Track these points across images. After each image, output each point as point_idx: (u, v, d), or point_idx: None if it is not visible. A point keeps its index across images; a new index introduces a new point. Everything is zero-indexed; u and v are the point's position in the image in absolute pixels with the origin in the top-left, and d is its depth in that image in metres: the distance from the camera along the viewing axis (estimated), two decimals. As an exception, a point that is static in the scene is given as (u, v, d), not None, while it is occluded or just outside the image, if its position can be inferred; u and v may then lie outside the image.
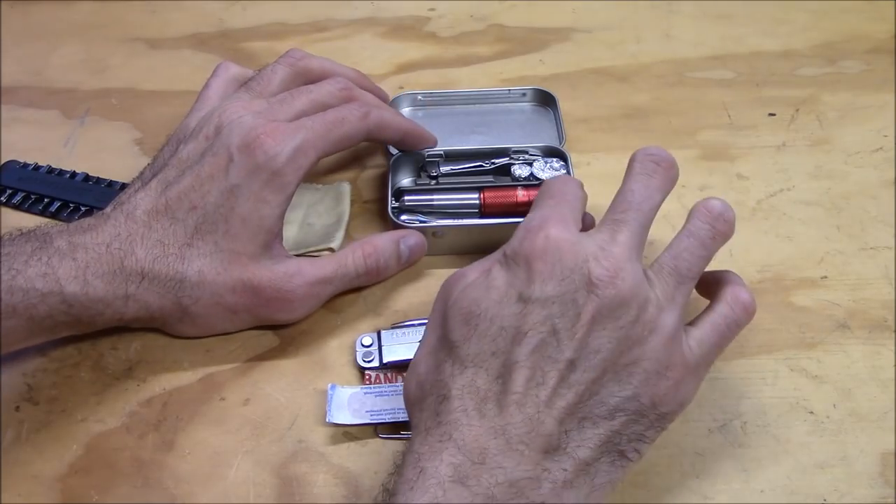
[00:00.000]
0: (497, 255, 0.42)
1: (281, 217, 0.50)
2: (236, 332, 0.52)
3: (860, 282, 0.54)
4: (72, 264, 0.45)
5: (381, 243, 0.53)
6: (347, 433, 0.47)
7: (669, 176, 0.44)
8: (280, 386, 0.50)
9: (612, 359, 0.38)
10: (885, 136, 0.64)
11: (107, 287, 0.46)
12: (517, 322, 0.38)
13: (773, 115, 0.66)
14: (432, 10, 0.78)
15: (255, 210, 0.48)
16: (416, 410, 0.40)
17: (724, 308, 0.43)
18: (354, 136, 0.52)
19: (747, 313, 0.43)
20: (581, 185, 0.47)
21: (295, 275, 0.50)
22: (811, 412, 0.48)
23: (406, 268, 0.55)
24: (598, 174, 0.62)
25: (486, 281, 0.40)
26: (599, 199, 0.60)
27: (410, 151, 0.59)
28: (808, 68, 0.70)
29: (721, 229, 0.43)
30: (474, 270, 0.42)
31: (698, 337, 0.41)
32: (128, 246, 0.47)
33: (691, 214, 0.43)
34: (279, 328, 0.52)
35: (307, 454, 0.47)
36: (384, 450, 0.47)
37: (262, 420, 0.48)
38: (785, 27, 0.74)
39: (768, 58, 0.71)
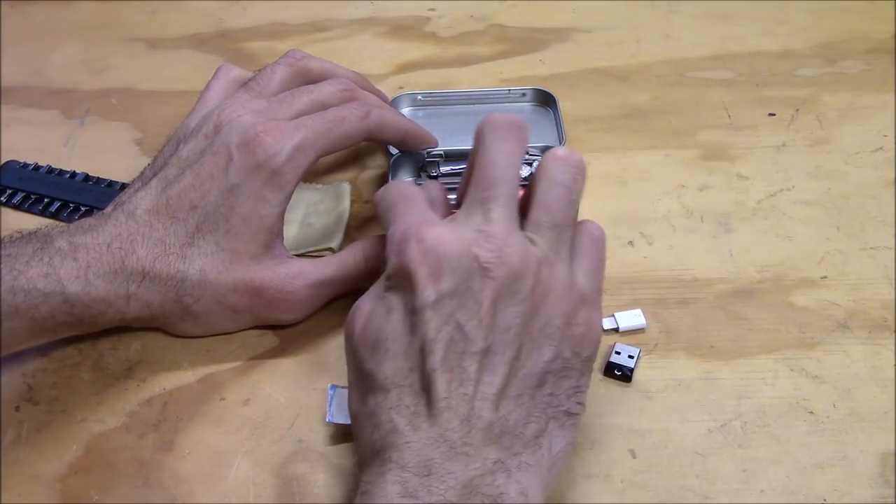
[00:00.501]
0: (382, 278, 0.42)
1: (281, 216, 0.50)
2: (237, 331, 0.52)
3: (860, 282, 0.54)
4: (73, 264, 0.45)
5: (379, 243, 0.51)
6: (347, 433, 0.47)
7: (522, 137, 0.44)
8: (280, 386, 0.50)
9: (524, 331, 0.38)
10: (885, 136, 0.64)
11: (108, 287, 0.46)
12: (422, 332, 0.38)
13: (773, 115, 0.66)
14: (432, 10, 0.78)
15: (255, 209, 0.48)
16: (358, 448, 0.40)
17: (581, 237, 0.43)
18: (354, 135, 0.52)
19: (597, 231, 0.44)
20: (412, 182, 0.50)
21: (297, 276, 0.50)
22: (811, 412, 0.48)
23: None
24: (598, 174, 0.62)
25: (382, 306, 0.40)
26: (599, 199, 0.60)
27: (411, 152, 0.59)
28: (808, 68, 0.70)
29: (579, 168, 0.43)
30: (368, 300, 0.42)
31: (583, 270, 0.42)
32: (129, 245, 0.47)
33: (543, 166, 0.43)
34: (279, 328, 0.52)
35: (307, 454, 0.47)
36: (384, 450, 0.47)
37: (262, 420, 0.48)
38: (785, 27, 0.74)
39: (768, 58, 0.71)
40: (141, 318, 0.49)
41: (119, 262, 0.46)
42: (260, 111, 0.51)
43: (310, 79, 0.56)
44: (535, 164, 0.59)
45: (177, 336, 0.52)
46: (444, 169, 0.60)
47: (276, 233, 0.50)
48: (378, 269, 0.51)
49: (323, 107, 0.52)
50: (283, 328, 0.52)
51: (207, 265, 0.48)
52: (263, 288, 0.49)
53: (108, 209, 0.50)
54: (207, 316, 0.50)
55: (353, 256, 0.51)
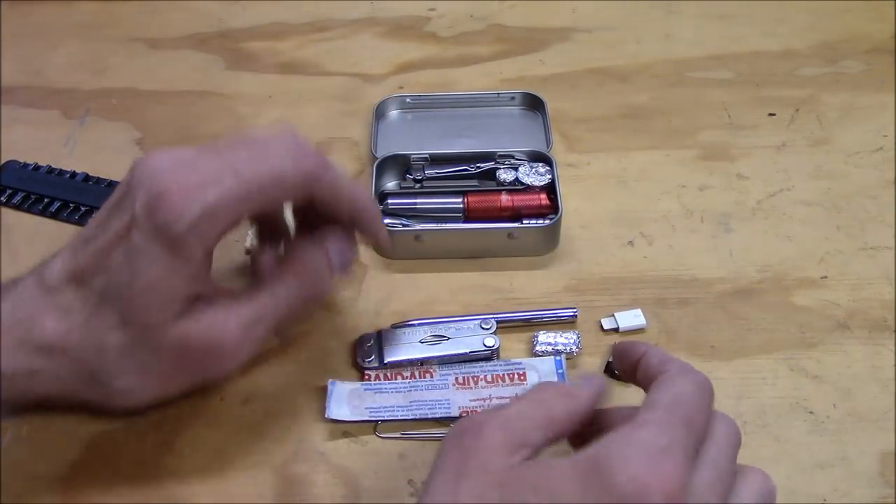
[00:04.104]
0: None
1: (198, 281, 0.42)
2: (178, 395, 0.46)
3: (860, 282, 0.54)
4: None
5: (309, 259, 0.46)
6: (347, 433, 0.47)
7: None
8: (280, 386, 0.50)
9: None
10: (885, 136, 0.64)
11: (8, 361, 0.41)
12: None
13: (773, 115, 0.66)
14: (432, 10, 0.78)
15: (161, 279, 0.40)
16: None
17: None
18: (289, 190, 0.43)
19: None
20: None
21: (223, 321, 0.42)
22: (811, 412, 0.48)
23: (343, 277, 0.47)
24: (598, 174, 0.62)
25: None
26: (599, 199, 0.60)
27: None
28: (808, 68, 0.70)
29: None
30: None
31: None
32: (35, 314, 0.41)
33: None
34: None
35: (307, 454, 0.47)
36: (384, 450, 0.47)
37: (261, 420, 0.48)
38: (785, 27, 0.74)
39: (768, 58, 0.71)
40: (53, 397, 0.43)
41: (23, 332, 0.41)
42: (183, 161, 0.41)
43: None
44: (520, 168, 0.58)
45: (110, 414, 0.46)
46: (428, 172, 0.59)
47: (195, 295, 0.42)
48: (313, 291, 0.46)
49: (265, 162, 0.42)
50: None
51: (118, 339, 0.41)
52: (189, 346, 0.42)
53: (25, 273, 0.44)
54: (136, 390, 0.43)
55: (282, 284, 0.45)
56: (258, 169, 0.41)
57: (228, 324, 0.42)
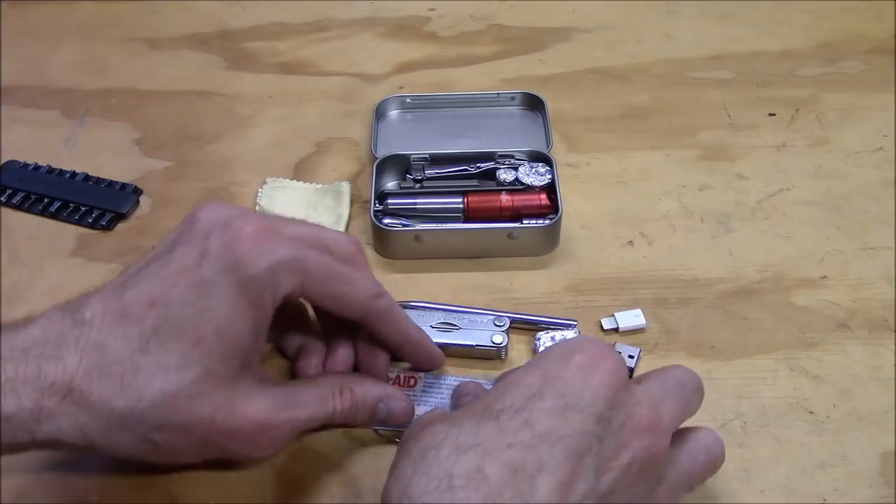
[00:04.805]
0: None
1: (256, 339, 0.40)
2: (195, 465, 0.43)
3: (860, 282, 0.54)
4: None
5: (362, 396, 0.45)
6: (347, 433, 0.47)
7: None
8: (280, 386, 0.50)
9: None
10: (885, 136, 0.64)
11: (6, 398, 0.36)
12: None
13: (773, 115, 0.66)
14: (432, 10, 0.78)
15: (230, 320, 0.38)
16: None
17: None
18: (352, 303, 0.43)
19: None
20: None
21: (281, 408, 0.41)
22: (811, 412, 0.48)
23: (381, 427, 0.47)
24: (598, 174, 0.62)
25: None
26: (599, 199, 0.60)
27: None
28: (808, 68, 0.70)
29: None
30: None
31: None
32: (53, 350, 0.37)
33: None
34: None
35: (307, 454, 0.47)
36: (384, 450, 0.47)
37: (262, 420, 0.48)
38: (785, 27, 0.74)
39: (768, 58, 0.71)
40: (64, 442, 0.37)
41: (35, 369, 0.36)
42: (247, 213, 0.41)
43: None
44: (520, 168, 0.58)
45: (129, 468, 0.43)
46: (428, 172, 0.59)
47: (253, 359, 0.41)
48: (353, 420, 0.45)
49: (324, 246, 0.43)
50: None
51: (173, 384, 0.37)
52: (245, 420, 0.39)
53: (48, 308, 0.39)
54: (167, 448, 0.39)
55: (334, 400, 0.44)
56: (329, 260, 0.42)
57: (283, 413, 0.41)
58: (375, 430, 0.47)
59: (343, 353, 0.47)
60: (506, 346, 0.50)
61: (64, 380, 0.36)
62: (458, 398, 0.46)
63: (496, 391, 0.38)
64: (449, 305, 0.52)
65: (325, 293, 0.42)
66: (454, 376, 0.49)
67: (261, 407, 0.40)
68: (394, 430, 0.47)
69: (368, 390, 0.45)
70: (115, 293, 0.39)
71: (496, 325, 0.50)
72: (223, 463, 0.44)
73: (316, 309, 0.48)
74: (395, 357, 0.48)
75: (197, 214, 0.41)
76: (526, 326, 0.51)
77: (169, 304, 0.38)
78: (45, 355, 0.36)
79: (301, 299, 0.43)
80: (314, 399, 0.43)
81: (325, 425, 0.44)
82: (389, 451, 0.46)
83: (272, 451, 0.42)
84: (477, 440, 0.35)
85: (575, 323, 0.51)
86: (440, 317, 0.51)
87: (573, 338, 0.44)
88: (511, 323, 0.51)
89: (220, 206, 0.41)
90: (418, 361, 0.48)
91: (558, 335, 0.50)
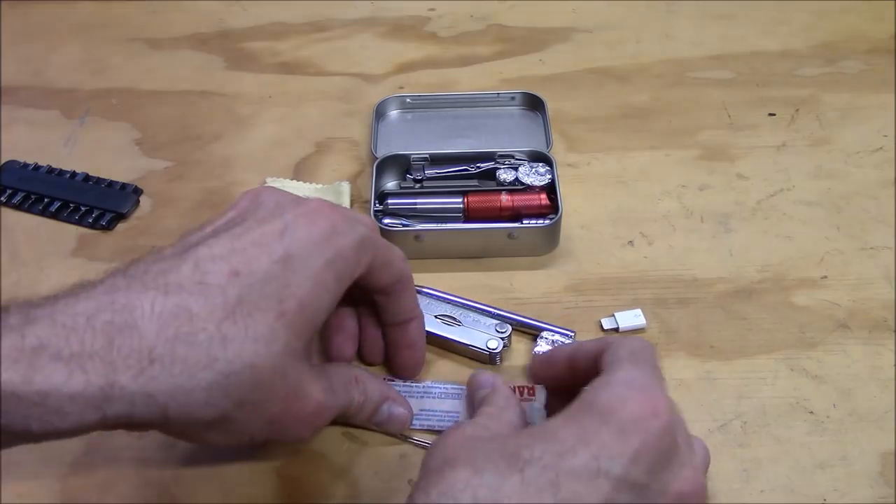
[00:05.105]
0: None
1: (327, 316, 0.39)
2: (247, 445, 0.40)
3: (860, 282, 0.54)
4: (17, 341, 0.31)
5: (371, 393, 0.44)
6: (347, 433, 0.47)
7: None
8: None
9: None
10: (885, 136, 0.64)
11: (71, 375, 0.32)
12: None
13: (773, 115, 0.66)
14: (432, 10, 0.78)
15: (314, 294, 0.37)
16: None
17: None
18: (394, 270, 0.43)
19: None
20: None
21: (331, 399, 0.41)
22: (811, 412, 0.48)
23: (372, 428, 0.46)
24: (598, 174, 0.62)
25: None
26: (599, 199, 0.60)
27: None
28: (808, 68, 0.70)
29: None
30: None
31: None
32: (125, 316, 0.33)
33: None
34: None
35: (307, 454, 0.46)
36: (384, 450, 0.47)
37: (262, 420, 0.48)
38: (785, 27, 0.74)
39: (768, 58, 0.71)
40: (136, 421, 0.34)
41: (104, 339, 0.32)
42: (308, 197, 0.41)
43: None
44: (520, 168, 0.58)
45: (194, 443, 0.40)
46: (428, 172, 0.59)
47: (314, 338, 0.40)
48: (355, 414, 0.44)
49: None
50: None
51: (262, 357, 0.35)
52: (310, 400, 0.39)
53: (107, 271, 0.36)
54: (241, 425, 0.37)
55: (358, 392, 0.44)
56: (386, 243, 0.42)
57: (331, 399, 0.40)
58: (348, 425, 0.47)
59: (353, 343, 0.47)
60: (500, 352, 0.49)
61: (142, 351, 0.33)
62: (474, 389, 0.44)
63: (528, 436, 0.35)
64: (457, 298, 0.52)
65: (383, 261, 0.42)
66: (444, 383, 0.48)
67: (321, 388, 0.39)
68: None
69: (377, 388, 0.45)
70: (180, 256, 0.36)
71: (497, 331, 0.50)
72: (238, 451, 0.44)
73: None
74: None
75: (260, 194, 0.40)
76: (526, 330, 0.51)
77: (251, 274, 0.35)
78: (116, 324, 0.33)
79: None
80: (342, 388, 0.42)
81: (337, 417, 0.43)
82: (389, 452, 0.46)
83: (313, 434, 0.41)
84: (497, 496, 0.32)
85: (573, 333, 0.51)
86: (446, 309, 0.51)
87: (622, 376, 0.36)
88: (512, 327, 0.51)
89: (278, 190, 0.41)
90: (407, 357, 0.47)
91: (560, 337, 0.50)
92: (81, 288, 0.34)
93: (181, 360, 0.33)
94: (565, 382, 0.42)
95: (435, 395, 0.47)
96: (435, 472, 0.34)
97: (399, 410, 0.45)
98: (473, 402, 0.43)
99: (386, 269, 0.42)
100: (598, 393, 0.35)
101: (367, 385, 0.44)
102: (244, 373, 0.34)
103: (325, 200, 0.40)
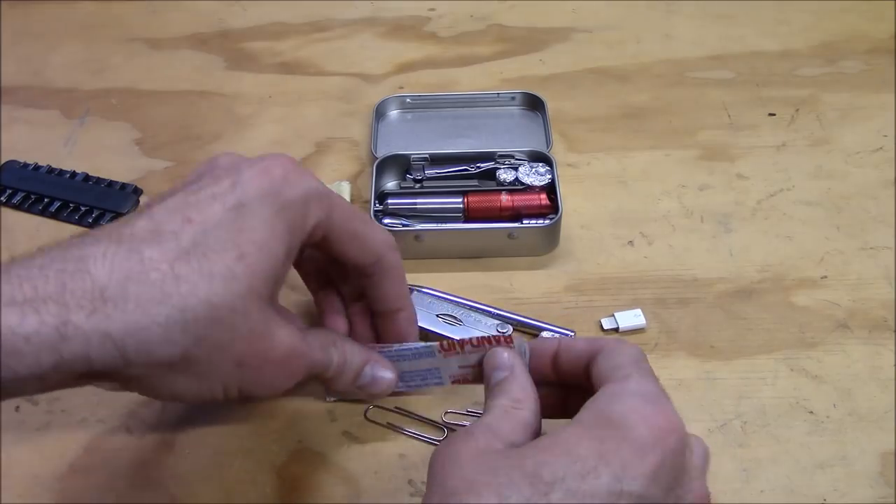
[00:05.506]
0: None
1: (286, 267, 0.39)
2: (219, 400, 0.38)
3: (860, 282, 0.54)
4: None
5: (352, 355, 0.43)
6: (347, 433, 0.47)
7: None
8: (280, 386, 0.50)
9: None
10: (885, 136, 0.64)
11: (25, 316, 0.32)
12: None
13: (773, 115, 0.66)
14: (432, 10, 0.78)
15: (269, 240, 0.37)
16: None
17: None
18: (370, 248, 0.42)
19: None
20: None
21: (302, 346, 0.39)
22: (811, 412, 0.48)
23: (357, 394, 0.44)
24: (598, 174, 0.62)
25: None
26: (599, 199, 0.60)
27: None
28: (808, 68, 0.70)
29: None
30: None
31: None
32: (77, 265, 0.34)
33: None
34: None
35: (307, 454, 0.47)
36: (384, 450, 0.47)
37: (262, 420, 0.48)
38: (785, 27, 0.74)
39: (768, 58, 0.71)
40: (95, 365, 0.33)
41: (56, 283, 0.33)
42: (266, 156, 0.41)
43: None
44: (520, 168, 0.58)
45: (153, 398, 0.39)
46: (428, 172, 0.59)
47: (278, 289, 0.39)
48: (337, 376, 0.43)
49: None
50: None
51: (219, 295, 0.35)
52: (278, 343, 0.38)
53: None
54: (207, 367, 0.36)
55: (337, 354, 0.42)
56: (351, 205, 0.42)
57: (302, 346, 0.39)
58: (365, 414, 0.47)
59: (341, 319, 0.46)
60: None
61: (94, 292, 0.33)
62: (491, 369, 0.41)
63: (547, 451, 0.34)
64: (457, 298, 0.52)
65: (347, 231, 0.41)
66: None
67: (290, 333, 0.38)
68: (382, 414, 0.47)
69: (358, 350, 0.44)
70: (137, 215, 0.36)
71: (498, 331, 0.50)
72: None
73: (325, 261, 0.46)
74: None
75: (217, 158, 0.40)
76: (526, 329, 0.51)
77: (205, 222, 0.36)
78: (68, 271, 0.33)
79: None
80: (319, 345, 0.41)
81: (316, 378, 0.42)
82: (389, 451, 0.46)
83: (289, 385, 0.40)
84: None
85: (573, 333, 0.51)
86: (447, 308, 0.51)
87: (634, 387, 0.36)
88: (503, 321, 0.51)
89: (235, 153, 0.41)
90: (395, 338, 0.46)
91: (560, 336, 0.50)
92: (40, 249, 0.35)
93: (134, 298, 0.33)
94: (547, 378, 0.41)
95: (408, 357, 0.45)
96: (454, 496, 0.34)
97: (383, 372, 0.44)
98: (489, 381, 0.41)
99: (356, 244, 0.42)
100: (612, 404, 0.35)
101: (346, 347, 0.43)
102: (200, 308, 0.34)
103: (282, 154, 0.40)
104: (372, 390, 0.44)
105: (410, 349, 0.45)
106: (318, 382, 0.43)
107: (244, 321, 0.36)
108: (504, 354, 0.41)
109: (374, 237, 0.43)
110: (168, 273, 0.34)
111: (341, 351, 0.42)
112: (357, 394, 0.44)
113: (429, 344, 0.44)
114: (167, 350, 0.34)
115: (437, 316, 0.51)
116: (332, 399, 0.47)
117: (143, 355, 0.34)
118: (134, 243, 0.34)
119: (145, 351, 0.34)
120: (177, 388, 0.36)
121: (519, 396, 0.39)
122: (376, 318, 0.46)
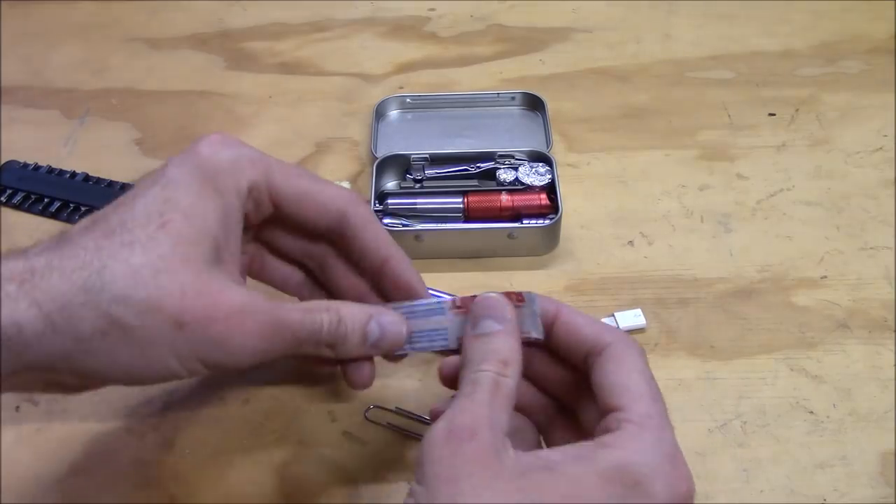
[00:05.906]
0: None
1: (225, 230, 0.39)
2: (180, 375, 0.37)
3: (860, 282, 0.54)
4: None
5: (349, 313, 0.40)
6: (347, 432, 0.47)
7: None
8: (280, 386, 0.50)
9: None
10: (885, 136, 0.64)
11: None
12: None
13: (773, 115, 0.66)
14: (432, 10, 0.78)
15: (196, 205, 0.38)
16: None
17: None
18: (328, 204, 0.42)
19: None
20: None
21: (257, 305, 0.37)
22: (811, 412, 0.48)
23: (373, 354, 0.42)
24: (598, 174, 0.62)
25: None
26: (599, 199, 0.60)
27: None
28: (808, 68, 0.70)
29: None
30: None
31: None
32: (13, 254, 0.35)
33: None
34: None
35: (307, 454, 0.47)
36: (384, 450, 0.47)
37: (262, 420, 0.48)
38: (785, 27, 0.74)
39: (768, 58, 0.71)
40: (26, 334, 0.34)
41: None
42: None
43: None
44: (520, 168, 0.58)
45: (111, 382, 0.38)
46: (428, 172, 0.59)
47: (226, 257, 0.39)
48: (340, 338, 0.40)
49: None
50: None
51: (138, 257, 0.35)
52: (220, 300, 0.36)
53: None
54: (139, 335, 0.35)
55: (326, 314, 0.40)
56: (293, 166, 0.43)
57: (259, 312, 0.37)
58: (365, 415, 0.47)
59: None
60: None
61: (25, 269, 0.35)
62: (477, 318, 0.39)
63: (566, 498, 0.33)
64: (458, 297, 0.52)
65: (296, 190, 0.41)
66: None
67: (240, 293, 0.37)
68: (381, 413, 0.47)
69: (357, 308, 0.41)
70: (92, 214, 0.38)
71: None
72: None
73: (288, 227, 0.44)
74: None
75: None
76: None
77: (133, 203, 0.37)
78: (5, 256, 0.35)
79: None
80: (300, 309, 0.39)
81: (316, 346, 0.39)
82: (389, 451, 0.46)
83: (262, 350, 0.38)
84: None
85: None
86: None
87: (651, 437, 0.35)
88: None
89: None
90: (398, 290, 0.43)
91: None
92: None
93: (58, 270, 0.35)
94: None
95: (420, 315, 0.43)
96: (442, 481, 0.33)
97: (389, 319, 0.41)
98: (475, 325, 0.39)
99: (309, 202, 0.42)
100: (628, 453, 0.34)
101: (343, 308, 0.40)
102: (118, 268, 0.35)
103: (216, 132, 0.41)
104: (385, 344, 0.41)
105: (422, 305, 0.43)
106: (332, 366, 0.42)
107: (172, 280, 0.35)
108: (497, 309, 0.39)
109: (327, 192, 0.42)
110: (90, 246, 0.35)
111: (335, 311, 0.40)
112: (367, 356, 0.42)
113: (441, 300, 0.42)
114: (90, 312, 0.34)
115: None
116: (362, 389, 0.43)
117: (66, 320, 0.34)
118: (69, 235, 0.36)
119: (68, 314, 0.34)
120: (123, 361, 0.35)
121: (507, 358, 0.37)
122: (375, 282, 0.44)
